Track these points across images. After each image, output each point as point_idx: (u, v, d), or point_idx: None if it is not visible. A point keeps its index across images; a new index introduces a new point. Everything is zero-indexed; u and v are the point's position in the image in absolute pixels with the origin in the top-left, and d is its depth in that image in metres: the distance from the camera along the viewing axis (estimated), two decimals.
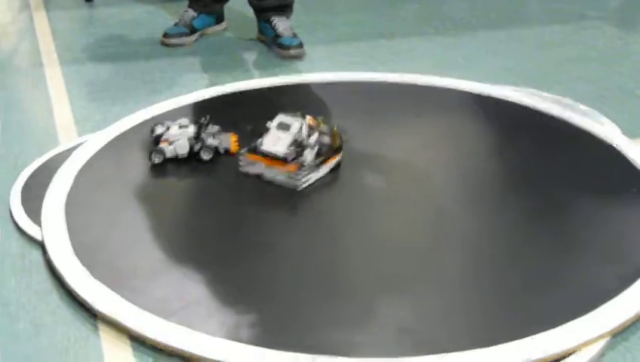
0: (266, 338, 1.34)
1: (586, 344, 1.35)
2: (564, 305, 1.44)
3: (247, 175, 1.89)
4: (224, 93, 2.42)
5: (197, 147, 1.95)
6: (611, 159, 1.97)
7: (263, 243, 1.63)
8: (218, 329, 1.36)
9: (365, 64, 2.70)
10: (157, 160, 1.94)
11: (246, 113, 2.26)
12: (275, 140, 1.86)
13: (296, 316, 1.40)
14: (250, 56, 2.82)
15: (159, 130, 2.01)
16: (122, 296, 1.43)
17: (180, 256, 1.58)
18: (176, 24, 2.93)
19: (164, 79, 2.58)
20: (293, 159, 1.84)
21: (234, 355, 1.30)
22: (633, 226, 1.68)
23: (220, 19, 3.03)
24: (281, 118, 1.91)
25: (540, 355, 1.32)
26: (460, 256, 1.60)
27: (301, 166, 1.82)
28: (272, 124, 1.90)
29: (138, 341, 1.36)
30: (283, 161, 1.84)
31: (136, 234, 1.65)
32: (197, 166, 1.95)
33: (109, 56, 2.80)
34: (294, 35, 2.79)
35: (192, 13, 2.93)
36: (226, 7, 3.04)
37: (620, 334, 1.39)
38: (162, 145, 1.95)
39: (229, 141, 1.99)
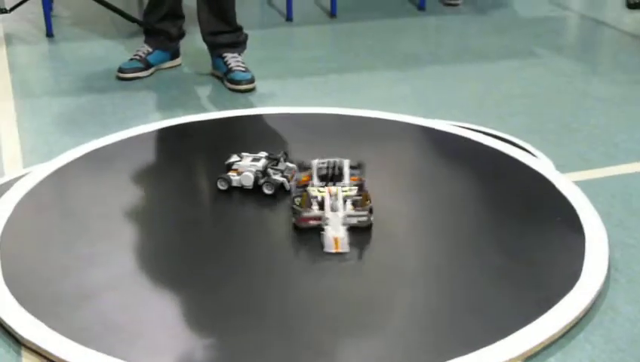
0: None
1: None
2: (482, 330, 1.48)
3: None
4: (174, 125, 2.46)
5: (261, 181, 2.00)
6: (541, 190, 2.03)
7: (195, 271, 1.66)
8: (137, 355, 1.39)
9: (315, 98, 2.76)
10: (222, 187, 2.02)
11: (195, 145, 2.31)
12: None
13: (216, 343, 1.43)
14: (204, 91, 2.87)
15: (233, 158, 2.07)
16: (46, 323, 1.46)
17: (110, 283, 1.61)
18: (131, 59, 2.98)
19: (115, 113, 2.62)
20: None
21: None
22: (554, 254, 1.73)
23: (175, 54, 3.09)
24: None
25: None
26: (378, 279, 1.63)
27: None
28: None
29: None
30: None
31: (68, 263, 1.68)
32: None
33: (64, 90, 2.84)
34: (246, 70, 2.85)
35: (147, 48, 2.99)
36: (183, 42, 3.10)
37: (531, 359, 1.43)
38: (231, 173, 2.03)
39: (293, 181, 2.01)
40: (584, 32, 3.74)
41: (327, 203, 1.83)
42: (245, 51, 2.97)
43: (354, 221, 1.80)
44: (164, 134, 2.40)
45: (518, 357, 1.42)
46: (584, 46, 3.52)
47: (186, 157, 2.23)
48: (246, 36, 2.96)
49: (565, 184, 2.05)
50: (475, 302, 1.57)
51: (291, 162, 2.08)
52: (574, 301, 1.56)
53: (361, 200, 1.84)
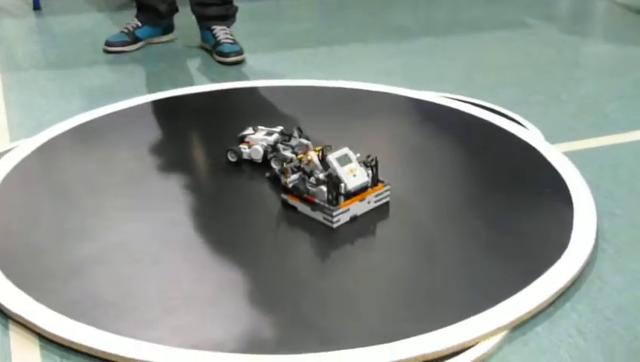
0: (172, 336, 1.37)
1: (484, 337, 1.40)
2: (470, 300, 1.48)
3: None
4: (163, 98, 2.45)
5: (270, 155, 1.97)
6: (531, 162, 2.03)
7: (188, 245, 1.66)
8: (126, 328, 1.39)
9: (305, 71, 2.75)
10: (232, 158, 2.01)
11: (185, 119, 2.30)
12: (350, 175, 1.76)
13: (205, 317, 1.43)
14: (193, 64, 2.85)
15: (247, 131, 2.05)
16: (34, 297, 1.46)
17: (100, 258, 1.60)
18: (120, 32, 2.95)
19: (103, 86, 2.61)
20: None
21: (141, 353, 1.33)
22: (543, 224, 1.73)
23: (168, 29, 3.06)
24: (333, 155, 1.77)
25: (439, 348, 1.36)
26: (369, 252, 1.64)
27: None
28: (334, 165, 1.75)
29: (47, 340, 1.38)
30: (366, 189, 1.78)
31: (56, 237, 1.67)
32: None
33: (51, 63, 2.82)
34: (234, 42, 2.83)
35: (136, 22, 2.97)
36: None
37: (518, 328, 1.44)
38: (242, 145, 2.01)
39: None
40: (575, 3, 3.73)
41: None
42: (235, 24, 2.95)
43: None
44: (153, 108, 2.39)
45: (505, 326, 1.42)
46: (575, 16, 3.51)
47: (177, 131, 2.22)
48: (236, 9, 2.94)
49: (554, 155, 2.05)
50: (463, 272, 1.57)
51: (307, 138, 2.02)
52: (562, 270, 1.56)
53: (287, 166, 1.81)
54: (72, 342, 1.36)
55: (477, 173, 1.97)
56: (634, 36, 3.12)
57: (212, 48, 2.87)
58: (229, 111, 2.36)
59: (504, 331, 1.42)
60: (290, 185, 1.80)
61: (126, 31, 2.95)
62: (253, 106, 2.41)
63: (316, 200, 1.75)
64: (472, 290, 1.51)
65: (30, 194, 1.86)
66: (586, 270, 1.60)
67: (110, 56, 2.89)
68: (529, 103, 2.45)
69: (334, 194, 1.73)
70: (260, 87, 2.54)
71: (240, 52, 2.80)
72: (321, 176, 1.76)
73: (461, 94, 2.50)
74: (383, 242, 1.68)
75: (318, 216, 1.75)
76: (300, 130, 2.04)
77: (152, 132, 2.21)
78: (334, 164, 1.76)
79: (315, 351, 1.34)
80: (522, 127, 2.23)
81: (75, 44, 3.04)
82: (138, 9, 3.00)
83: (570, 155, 2.06)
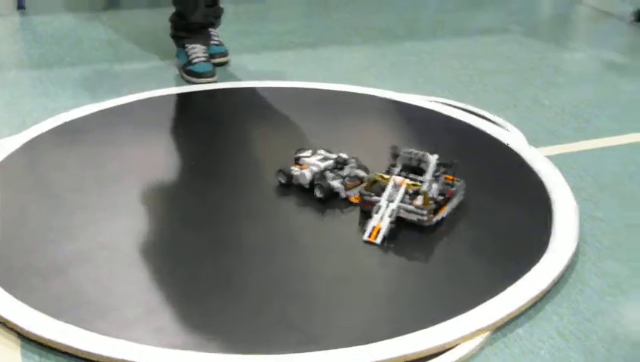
0: (153, 336, 1.37)
1: (465, 339, 1.41)
2: (451, 302, 1.49)
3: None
4: (148, 98, 2.44)
5: (316, 182, 1.85)
6: (513, 165, 2.04)
7: (173, 246, 1.65)
8: (108, 328, 1.38)
9: (288, 72, 2.75)
10: (281, 180, 1.90)
11: (169, 119, 2.30)
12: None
13: (187, 317, 1.43)
14: (176, 64, 2.84)
15: (303, 153, 1.95)
16: (14, 294, 1.45)
17: (83, 257, 1.60)
18: (203, 62, 2.63)
19: (87, 86, 2.59)
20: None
21: (121, 353, 1.32)
22: (524, 227, 1.75)
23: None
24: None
25: (419, 349, 1.37)
26: (351, 255, 1.64)
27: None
28: (427, 176, 1.80)
29: (27, 339, 1.38)
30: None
31: (39, 235, 1.67)
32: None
33: (34, 62, 2.81)
34: (219, 43, 2.83)
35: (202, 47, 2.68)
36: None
37: (499, 330, 1.44)
38: (294, 167, 1.90)
39: (354, 191, 1.86)
40: (558, 9, 3.76)
41: (387, 191, 1.76)
42: (220, 25, 2.94)
43: (413, 218, 1.75)
44: (138, 107, 2.38)
45: (486, 328, 1.43)
46: (558, 22, 3.54)
47: (162, 130, 2.21)
48: (222, 10, 2.93)
49: (537, 158, 2.06)
50: (444, 273, 1.58)
51: (365, 169, 1.91)
52: (543, 273, 1.57)
53: (423, 199, 1.74)
54: (51, 341, 1.35)
55: (459, 176, 1.98)
56: (615, 42, 3.14)
57: None
58: (214, 112, 2.36)
59: (485, 332, 1.43)
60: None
61: (204, 59, 2.65)
62: (236, 107, 2.40)
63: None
64: (453, 292, 1.52)
65: (13, 192, 1.85)
66: (567, 273, 1.61)
67: (93, 55, 2.88)
68: (512, 108, 2.46)
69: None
70: (244, 88, 2.54)
71: (225, 53, 2.80)
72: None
73: (445, 97, 2.51)
74: (363, 246, 1.69)
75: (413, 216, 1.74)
76: (357, 159, 1.93)
77: (137, 131, 2.21)
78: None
79: (295, 352, 1.34)
80: (505, 131, 2.25)
81: (58, 43, 3.02)
82: (190, 34, 2.69)
83: (553, 159, 2.08)
